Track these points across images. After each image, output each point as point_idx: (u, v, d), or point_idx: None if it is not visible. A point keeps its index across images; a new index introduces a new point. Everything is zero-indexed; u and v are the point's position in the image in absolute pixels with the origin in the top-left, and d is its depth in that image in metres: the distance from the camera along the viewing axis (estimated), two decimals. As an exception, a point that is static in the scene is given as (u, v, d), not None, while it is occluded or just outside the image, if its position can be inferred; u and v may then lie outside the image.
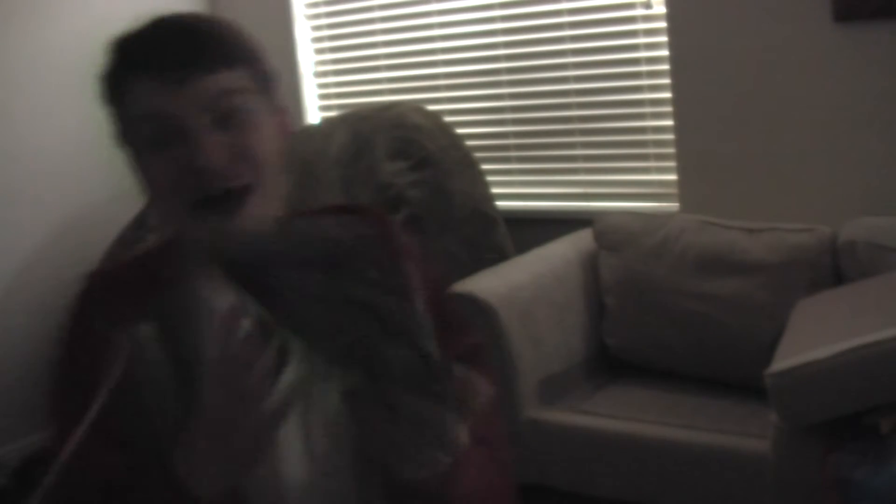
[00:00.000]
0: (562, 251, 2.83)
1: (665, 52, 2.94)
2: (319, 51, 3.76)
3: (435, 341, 0.97)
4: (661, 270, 2.65)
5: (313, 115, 3.81)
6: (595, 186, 3.19)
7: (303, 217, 1.20)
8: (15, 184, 3.28)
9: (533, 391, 2.53)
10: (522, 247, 3.07)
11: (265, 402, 0.89)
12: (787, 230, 2.56)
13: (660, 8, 2.93)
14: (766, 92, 2.76)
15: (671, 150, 2.99)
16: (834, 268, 2.48)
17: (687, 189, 2.95)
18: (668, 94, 2.96)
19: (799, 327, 2.20)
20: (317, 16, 3.73)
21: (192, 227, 1.03)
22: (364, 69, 3.63)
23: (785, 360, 1.97)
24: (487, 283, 2.56)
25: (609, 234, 2.78)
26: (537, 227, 3.25)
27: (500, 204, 3.30)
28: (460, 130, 3.30)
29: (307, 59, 3.78)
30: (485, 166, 3.37)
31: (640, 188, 3.10)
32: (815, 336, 2.05)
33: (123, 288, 1.08)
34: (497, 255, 2.90)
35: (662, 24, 2.93)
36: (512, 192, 3.36)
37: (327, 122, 3.33)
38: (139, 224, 3.23)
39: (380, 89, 3.58)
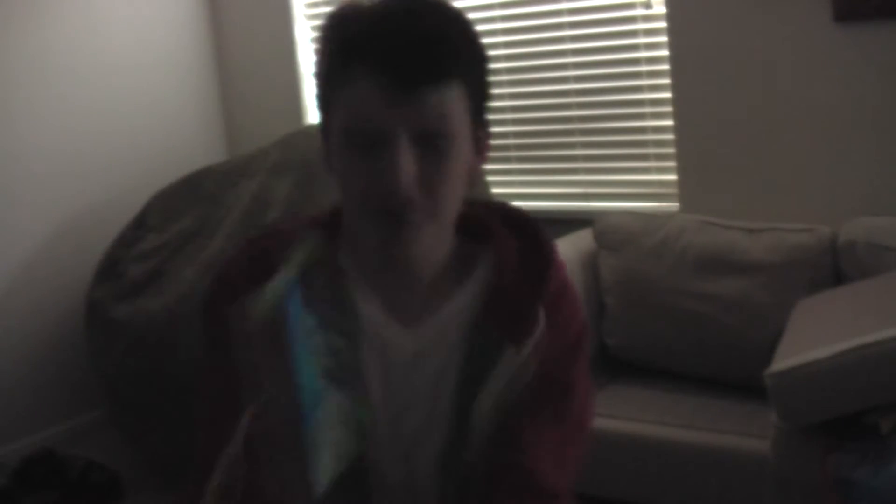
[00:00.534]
0: (562, 251, 2.80)
1: (665, 52, 2.94)
2: (319, 51, 3.75)
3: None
4: (661, 270, 2.65)
5: (313, 115, 3.81)
6: (595, 186, 3.19)
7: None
8: (15, 184, 3.28)
9: (533, 391, 2.52)
10: (522, 247, 3.07)
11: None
12: (787, 230, 2.56)
13: (660, 8, 2.93)
14: (765, 92, 2.76)
15: (671, 150, 2.99)
16: (834, 268, 2.48)
17: (687, 189, 2.95)
18: (668, 94, 2.96)
19: (799, 327, 2.20)
20: (317, 16, 3.73)
21: (365, 231, 1.03)
22: (364, 69, 3.63)
23: (785, 360, 1.96)
24: (487, 283, 2.55)
25: (609, 234, 2.78)
26: (537, 227, 3.25)
27: (500, 204, 3.30)
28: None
29: (307, 59, 3.77)
30: (485, 166, 3.37)
31: (640, 188, 3.10)
32: (815, 336, 2.05)
33: (251, 271, 1.08)
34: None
35: (662, 24, 2.93)
36: (512, 192, 3.36)
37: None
38: (139, 224, 3.23)
39: (380, 89, 3.57)
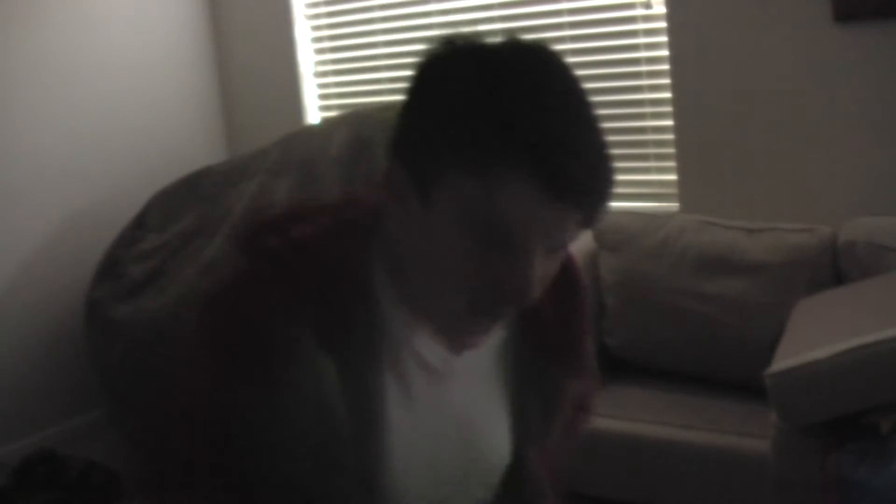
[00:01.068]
0: (562, 251, 2.82)
1: (665, 52, 2.94)
2: (319, 51, 3.76)
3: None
4: (661, 270, 2.65)
5: (313, 115, 3.81)
6: (595, 186, 3.18)
7: None
8: (15, 184, 3.28)
9: (533, 391, 2.53)
10: (522, 247, 3.07)
11: None
12: (787, 230, 2.56)
13: (660, 8, 2.93)
14: (765, 92, 2.76)
15: (671, 150, 2.99)
16: (834, 268, 2.48)
17: (687, 189, 2.95)
18: (668, 94, 2.96)
19: (799, 327, 2.20)
20: (317, 16, 3.73)
21: (450, 303, 0.94)
22: (364, 69, 3.63)
23: (785, 360, 1.96)
24: (487, 283, 2.55)
25: (609, 234, 2.78)
26: (537, 227, 3.25)
27: (500, 204, 3.30)
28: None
29: (307, 59, 3.77)
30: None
31: (640, 188, 3.10)
32: (815, 336, 2.05)
33: (300, 278, 0.95)
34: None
35: (662, 24, 2.93)
36: (512, 192, 3.35)
37: (327, 122, 3.33)
38: (139, 224, 3.23)
39: (380, 89, 3.58)
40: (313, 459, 0.92)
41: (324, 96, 3.78)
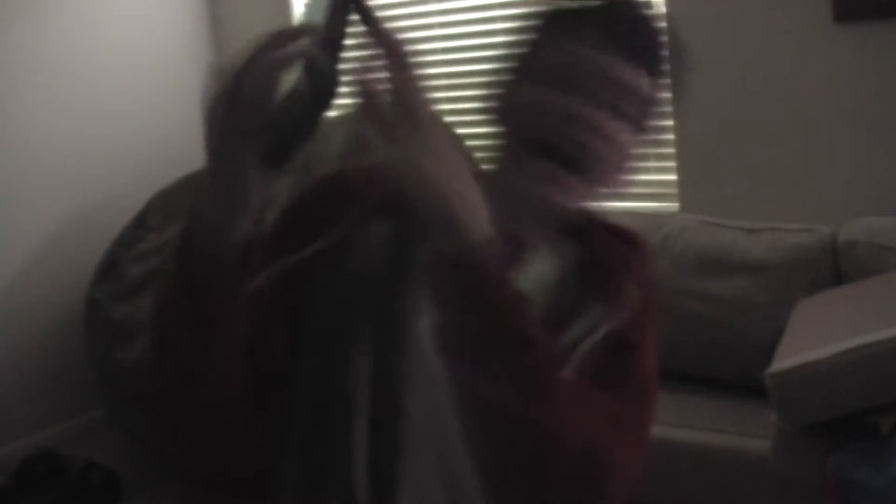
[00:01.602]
0: (562, 251, 2.82)
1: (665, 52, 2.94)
2: (319, 51, 3.76)
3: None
4: (661, 270, 2.65)
5: (313, 115, 3.81)
6: (595, 186, 3.18)
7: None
8: (15, 184, 3.28)
9: (533, 391, 2.52)
10: (522, 247, 3.07)
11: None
12: (787, 230, 2.56)
13: (660, 8, 2.93)
14: (766, 92, 2.76)
15: (671, 150, 2.99)
16: (834, 268, 2.48)
17: (687, 189, 2.95)
18: (667, 95, 2.96)
19: (799, 327, 2.20)
20: (317, 16, 3.73)
21: (515, 167, 1.00)
22: (364, 69, 3.63)
23: (785, 360, 1.96)
24: (487, 283, 2.55)
25: (609, 234, 2.78)
26: (537, 227, 3.25)
27: (500, 204, 3.30)
28: (460, 130, 3.30)
29: (307, 59, 3.78)
30: (485, 166, 3.37)
31: (640, 188, 3.10)
32: (815, 336, 2.05)
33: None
34: (497, 255, 2.90)
35: (662, 25, 2.93)
36: (512, 192, 3.36)
37: (327, 122, 3.32)
38: (139, 224, 3.23)
39: (380, 89, 3.57)
40: None
41: (324, 96, 3.78)
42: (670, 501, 2.35)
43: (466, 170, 0.89)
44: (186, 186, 3.29)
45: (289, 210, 1.07)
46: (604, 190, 1.05)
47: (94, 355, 3.05)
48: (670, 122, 2.98)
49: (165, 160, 3.69)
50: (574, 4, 1.02)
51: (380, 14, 0.91)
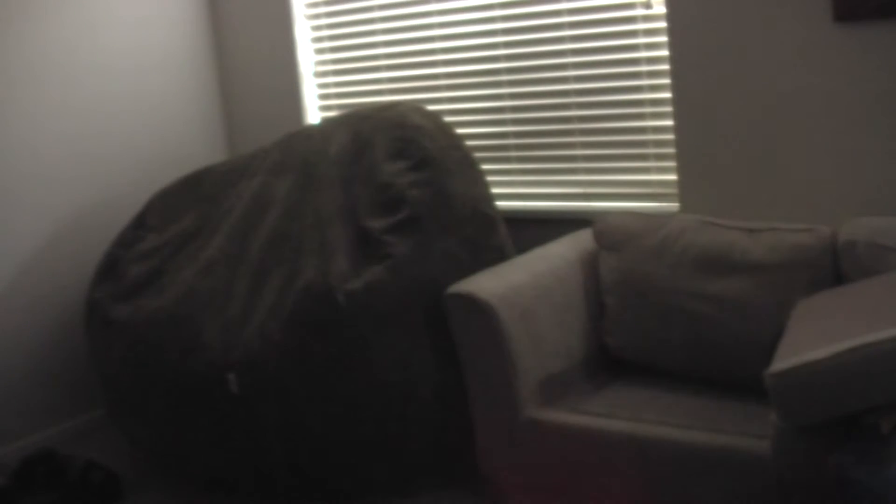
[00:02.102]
0: (562, 251, 2.83)
1: (665, 52, 2.94)
2: (319, 51, 3.76)
3: None
4: (661, 270, 2.65)
5: (313, 115, 3.81)
6: (595, 186, 3.19)
7: None
8: (15, 184, 3.28)
9: (533, 391, 2.53)
10: (522, 247, 3.08)
11: None
12: (787, 230, 2.56)
13: (660, 8, 2.93)
14: (765, 92, 2.77)
15: (671, 150, 3.00)
16: (834, 268, 2.48)
17: (687, 189, 2.95)
18: (668, 94, 2.96)
19: (799, 327, 2.20)
20: (317, 16, 3.73)
21: None
22: (364, 69, 3.63)
23: (785, 360, 1.96)
24: (487, 283, 2.56)
25: (609, 234, 2.78)
26: (537, 227, 3.25)
27: (500, 204, 3.30)
28: (460, 130, 3.30)
29: (307, 59, 3.78)
30: (485, 166, 3.38)
31: (640, 188, 3.10)
32: (815, 336, 2.05)
33: None
34: (497, 255, 2.90)
35: (662, 24, 2.93)
36: (512, 192, 3.36)
37: (327, 122, 3.33)
38: (139, 224, 3.23)
39: (380, 89, 3.58)
40: None
41: (324, 96, 3.78)
42: (670, 501, 2.35)
43: None
44: (186, 186, 3.30)
45: None
46: None
47: (94, 355, 3.05)
48: (670, 123, 2.98)
49: (165, 160, 3.69)
50: None
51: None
